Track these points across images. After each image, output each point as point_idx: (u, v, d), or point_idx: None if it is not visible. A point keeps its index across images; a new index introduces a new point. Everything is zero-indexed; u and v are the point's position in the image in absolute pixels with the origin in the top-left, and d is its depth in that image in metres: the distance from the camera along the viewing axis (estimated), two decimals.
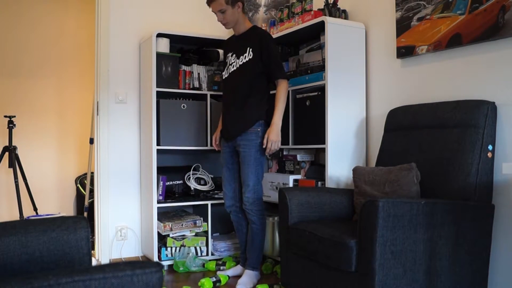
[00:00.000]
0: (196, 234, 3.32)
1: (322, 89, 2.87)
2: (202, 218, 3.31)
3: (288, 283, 2.40)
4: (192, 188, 3.44)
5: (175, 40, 3.43)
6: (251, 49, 2.75)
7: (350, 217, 2.50)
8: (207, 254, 3.32)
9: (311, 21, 2.92)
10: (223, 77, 2.93)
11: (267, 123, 2.74)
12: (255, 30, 2.83)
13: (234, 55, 2.85)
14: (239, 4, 2.76)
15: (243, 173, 2.78)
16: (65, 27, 4.85)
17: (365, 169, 2.43)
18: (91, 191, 3.95)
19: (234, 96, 2.81)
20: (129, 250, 3.45)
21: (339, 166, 2.84)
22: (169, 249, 3.23)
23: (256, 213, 2.79)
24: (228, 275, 2.93)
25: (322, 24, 2.87)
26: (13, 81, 4.62)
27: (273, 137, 2.69)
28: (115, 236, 3.39)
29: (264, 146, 2.72)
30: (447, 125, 2.30)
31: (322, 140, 2.83)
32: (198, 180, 3.48)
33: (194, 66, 3.44)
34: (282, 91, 2.73)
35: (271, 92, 2.87)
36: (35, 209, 4.26)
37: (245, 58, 2.77)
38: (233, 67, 2.83)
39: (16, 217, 4.30)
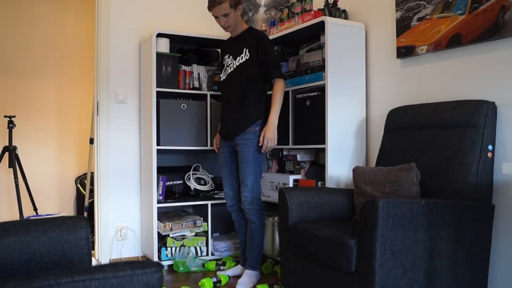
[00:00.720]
0: (196, 234, 3.32)
1: (322, 89, 2.87)
2: (202, 218, 3.31)
3: (288, 283, 2.40)
4: (192, 188, 3.44)
5: (175, 40, 3.43)
6: (247, 50, 2.77)
7: (350, 217, 2.50)
8: (207, 254, 3.32)
9: (311, 21, 2.92)
10: (221, 79, 2.94)
11: (265, 123, 2.75)
12: (251, 31, 2.85)
13: (231, 56, 2.86)
14: (240, 7, 2.77)
15: (241, 172, 2.79)
16: (65, 27, 4.85)
17: (365, 169, 2.44)
18: (91, 191, 3.95)
19: (232, 96, 2.82)
20: (129, 250, 3.45)
21: (339, 166, 2.84)
22: (169, 249, 3.23)
23: (254, 213, 2.79)
24: (228, 275, 2.93)
25: (322, 24, 2.87)
26: (13, 81, 4.62)
27: (269, 135, 2.70)
28: (115, 236, 3.39)
29: (260, 144, 2.73)
30: (447, 125, 2.30)
31: (322, 140, 2.83)
32: (198, 180, 3.48)
33: (194, 66, 3.44)
34: (279, 90, 2.74)
35: (269, 92, 2.88)
36: (35, 209, 4.26)
37: (241, 59, 2.79)
38: (230, 69, 2.85)
39: (16, 217, 4.30)
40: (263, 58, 2.74)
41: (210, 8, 2.74)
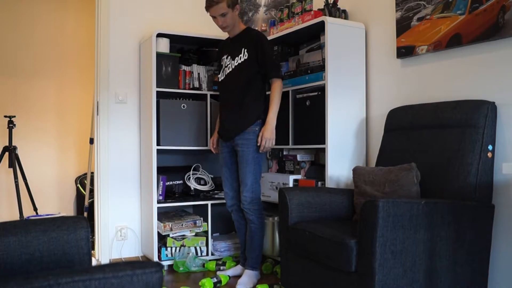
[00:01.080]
0: (196, 234, 3.32)
1: (322, 89, 2.87)
2: (202, 218, 3.31)
3: (288, 283, 2.40)
4: (192, 188, 3.44)
5: (175, 40, 3.43)
6: (246, 50, 2.77)
7: (350, 217, 2.50)
8: (207, 254, 3.32)
9: (311, 21, 2.92)
10: (219, 80, 2.95)
11: (265, 122, 2.75)
12: (249, 31, 2.86)
13: (229, 57, 2.86)
14: (237, 7, 2.77)
15: (241, 172, 2.79)
16: (65, 27, 4.85)
17: (365, 169, 2.43)
18: (91, 191, 3.95)
19: (231, 97, 2.82)
20: (129, 250, 3.45)
21: (339, 166, 2.84)
22: (169, 249, 3.23)
23: (254, 213, 2.80)
24: (228, 275, 2.93)
25: (322, 24, 2.87)
26: (13, 81, 4.62)
27: (267, 135, 2.71)
28: (115, 236, 3.39)
29: (258, 144, 2.74)
30: (447, 125, 2.30)
31: (322, 140, 2.83)
32: (198, 180, 3.48)
33: (194, 66, 3.44)
34: (277, 90, 2.74)
35: (268, 92, 2.88)
36: (35, 209, 4.26)
37: (240, 59, 2.79)
38: (228, 69, 2.85)
39: (16, 217, 4.30)
40: (262, 58, 2.74)
41: (207, 8, 2.75)
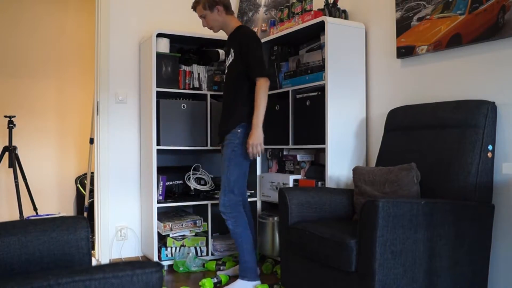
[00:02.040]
0: (196, 234, 3.32)
1: (322, 89, 2.87)
2: (202, 218, 3.31)
3: (288, 283, 2.40)
4: (192, 188, 3.44)
5: (175, 40, 3.43)
6: (233, 50, 2.74)
7: (350, 217, 2.50)
8: (207, 254, 3.32)
9: (311, 21, 2.92)
10: (224, 80, 2.95)
11: (250, 123, 2.65)
12: (238, 30, 2.79)
13: (227, 58, 2.86)
14: (218, 8, 2.73)
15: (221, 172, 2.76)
16: (65, 27, 4.85)
17: (365, 169, 2.43)
18: (91, 191, 3.95)
19: (224, 97, 2.82)
20: (129, 250, 3.45)
21: (339, 166, 2.84)
22: (169, 249, 3.23)
23: (228, 217, 2.70)
24: (228, 275, 2.93)
25: (322, 24, 2.87)
26: (13, 81, 4.62)
27: (253, 141, 2.60)
28: (115, 236, 3.39)
29: (248, 151, 2.64)
30: (447, 125, 2.30)
31: (322, 140, 2.83)
32: (198, 180, 3.48)
33: (194, 66, 3.44)
34: (261, 91, 2.61)
35: None
36: (35, 209, 4.26)
37: (229, 59, 2.79)
38: (226, 69, 2.86)
39: (16, 217, 4.30)
40: (245, 56, 2.65)
41: (193, 10, 2.84)
